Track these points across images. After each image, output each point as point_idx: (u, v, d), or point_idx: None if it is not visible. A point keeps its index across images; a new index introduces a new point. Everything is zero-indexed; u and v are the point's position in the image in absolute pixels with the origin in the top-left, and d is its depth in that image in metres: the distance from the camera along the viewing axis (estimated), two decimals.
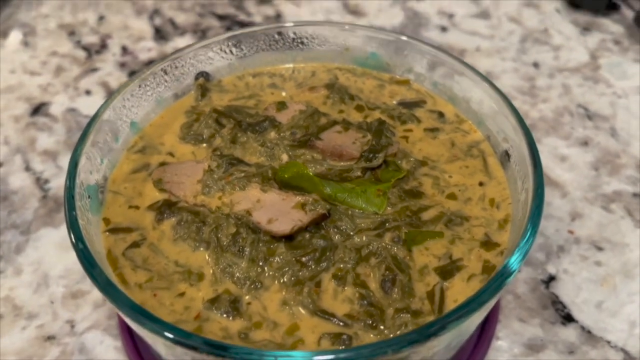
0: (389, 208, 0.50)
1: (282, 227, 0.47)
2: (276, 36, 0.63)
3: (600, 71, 0.88)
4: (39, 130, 0.81)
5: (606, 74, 0.87)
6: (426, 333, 0.37)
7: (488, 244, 0.49)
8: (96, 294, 0.63)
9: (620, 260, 0.65)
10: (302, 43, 0.64)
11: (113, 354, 0.58)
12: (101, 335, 0.60)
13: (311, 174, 0.50)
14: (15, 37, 0.94)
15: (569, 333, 0.59)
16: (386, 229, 0.49)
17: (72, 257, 0.66)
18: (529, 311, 0.61)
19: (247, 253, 0.47)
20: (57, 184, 0.74)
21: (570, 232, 0.68)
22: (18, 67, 0.90)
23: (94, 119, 0.53)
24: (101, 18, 0.99)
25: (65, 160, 0.76)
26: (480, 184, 0.53)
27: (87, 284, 0.64)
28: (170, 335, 0.38)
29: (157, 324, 0.39)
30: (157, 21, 0.99)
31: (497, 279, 0.41)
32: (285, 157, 0.53)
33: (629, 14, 0.94)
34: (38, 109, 0.83)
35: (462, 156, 0.56)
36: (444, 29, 0.96)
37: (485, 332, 0.57)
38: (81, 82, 0.87)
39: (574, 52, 0.91)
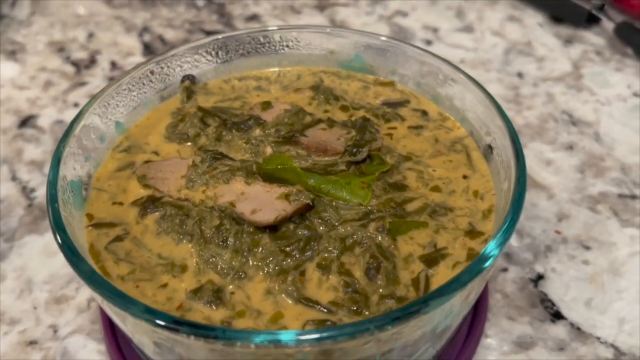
0: (373, 200, 0.50)
1: (266, 216, 0.47)
2: (262, 39, 0.64)
3: (583, 80, 0.89)
4: (26, 141, 0.81)
5: (589, 83, 0.89)
6: (409, 311, 0.37)
7: (472, 232, 0.49)
8: (80, 299, 0.62)
9: (607, 259, 0.65)
10: (287, 47, 0.65)
11: (96, 357, 0.57)
12: (84, 340, 0.59)
13: (295, 165, 0.50)
14: (7, 66, 0.95)
15: (559, 330, 0.59)
16: (370, 219, 0.48)
17: (56, 263, 0.66)
18: (517, 309, 0.60)
19: (230, 244, 0.46)
20: (43, 193, 0.73)
21: (558, 232, 0.68)
22: (7, 82, 0.90)
23: (78, 116, 0.53)
24: (91, 35, 1.01)
25: None
26: (464, 177, 0.54)
27: (71, 289, 0.63)
28: (158, 321, 0.37)
29: (141, 308, 0.38)
30: (147, 37, 1.00)
31: (479, 261, 0.41)
32: (269, 151, 0.53)
33: (609, 26, 0.96)
34: (26, 122, 0.84)
35: (446, 151, 0.56)
36: (428, 42, 0.98)
37: (473, 330, 0.57)
38: (70, 96, 0.88)
39: (557, 62, 0.93)
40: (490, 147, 0.54)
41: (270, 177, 0.50)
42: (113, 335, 0.57)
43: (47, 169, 0.76)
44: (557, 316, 0.60)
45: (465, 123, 0.58)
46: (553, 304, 0.61)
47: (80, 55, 0.96)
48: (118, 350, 0.56)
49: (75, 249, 0.42)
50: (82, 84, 0.90)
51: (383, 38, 0.62)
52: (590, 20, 0.98)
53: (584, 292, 0.62)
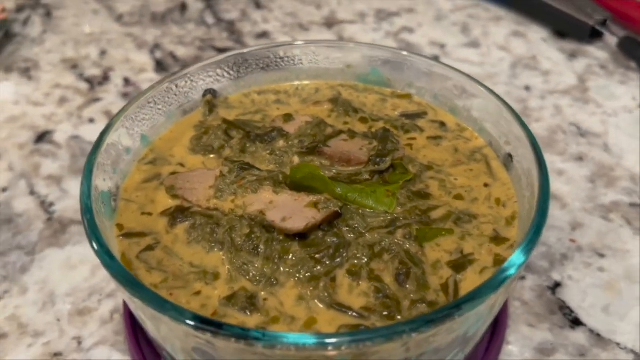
0: (398, 208, 0.51)
1: (297, 224, 0.48)
2: (281, 54, 0.65)
3: (589, 93, 0.91)
4: (43, 156, 0.81)
5: (595, 96, 0.91)
6: (443, 314, 0.38)
7: (497, 239, 0.50)
8: (103, 311, 0.62)
9: (623, 266, 0.66)
10: (305, 61, 0.66)
11: None
12: (109, 351, 0.59)
13: (323, 174, 0.51)
14: (22, 83, 0.96)
15: (579, 336, 0.60)
16: (397, 226, 0.49)
17: (78, 275, 0.66)
18: (537, 317, 0.61)
19: (262, 251, 0.47)
20: (62, 207, 0.74)
21: (572, 240, 0.69)
22: (22, 99, 0.92)
23: (107, 128, 0.54)
24: (103, 53, 1.02)
25: (70, 185, 0.77)
26: (485, 185, 0.55)
27: (94, 302, 0.63)
28: (193, 322, 0.38)
29: (182, 312, 0.39)
30: (158, 54, 1.01)
31: (508, 267, 0.42)
32: (296, 160, 0.54)
33: (612, 40, 0.98)
34: (42, 137, 0.85)
35: (466, 161, 0.57)
36: (436, 57, 1.00)
37: (495, 337, 0.57)
38: (85, 112, 0.89)
39: (563, 76, 0.95)
40: (510, 156, 0.55)
41: (298, 186, 0.51)
42: (138, 345, 0.57)
43: (65, 183, 0.77)
44: (576, 322, 0.61)
45: (484, 133, 0.59)
46: (572, 311, 0.62)
47: (94, 72, 0.97)
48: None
49: (113, 256, 0.43)
50: (97, 100, 0.91)
51: (404, 53, 0.63)
52: (593, 35, 1.01)
53: (601, 299, 0.63)
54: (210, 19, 1.11)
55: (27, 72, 0.97)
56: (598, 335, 0.60)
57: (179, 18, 1.11)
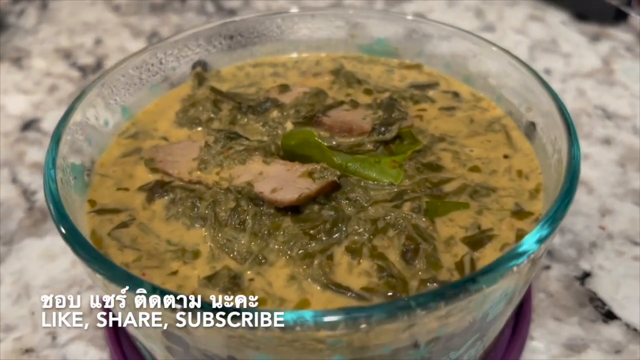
0: (406, 180, 0.45)
1: (288, 195, 0.42)
2: (279, 21, 0.60)
3: (615, 75, 0.85)
4: (29, 144, 0.76)
5: (622, 78, 0.84)
6: (456, 288, 0.31)
7: (520, 213, 0.43)
8: (82, 304, 0.56)
9: None
10: (305, 29, 0.61)
11: None
12: (85, 347, 0.53)
13: (319, 141, 0.45)
14: (12, 72, 0.91)
15: (613, 331, 0.53)
16: (404, 200, 0.43)
17: (57, 267, 0.61)
18: (565, 309, 0.54)
19: (248, 226, 0.41)
20: None
21: (602, 228, 0.62)
22: (10, 87, 0.87)
23: (80, 96, 0.49)
24: (98, 42, 0.97)
25: None
26: (505, 156, 0.48)
27: (73, 293, 0.58)
28: (174, 301, 0.32)
29: (150, 288, 0.33)
30: (155, 42, 0.96)
31: (546, 223, 0.35)
32: (290, 126, 0.48)
33: (637, 22, 0.92)
34: (29, 125, 0.80)
35: (483, 131, 0.51)
36: None
37: (517, 332, 0.51)
38: None
39: (585, 58, 0.88)
40: (532, 125, 0.49)
41: (291, 155, 0.45)
42: (118, 341, 0.51)
43: None
44: (609, 316, 0.54)
45: (502, 102, 0.53)
46: (604, 303, 0.55)
47: (87, 60, 0.93)
48: (123, 357, 0.50)
49: (73, 225, 0.37)
50: None
51: (409, 17, 0.58)
52: (617, 17, 0.94)
53: (637, 290, 0.56)
54: (210, 8, 1.06)
55: (18, 61, 0.93)
56: (635, 330, 0.53)
57: (179, 7, 1.06)
